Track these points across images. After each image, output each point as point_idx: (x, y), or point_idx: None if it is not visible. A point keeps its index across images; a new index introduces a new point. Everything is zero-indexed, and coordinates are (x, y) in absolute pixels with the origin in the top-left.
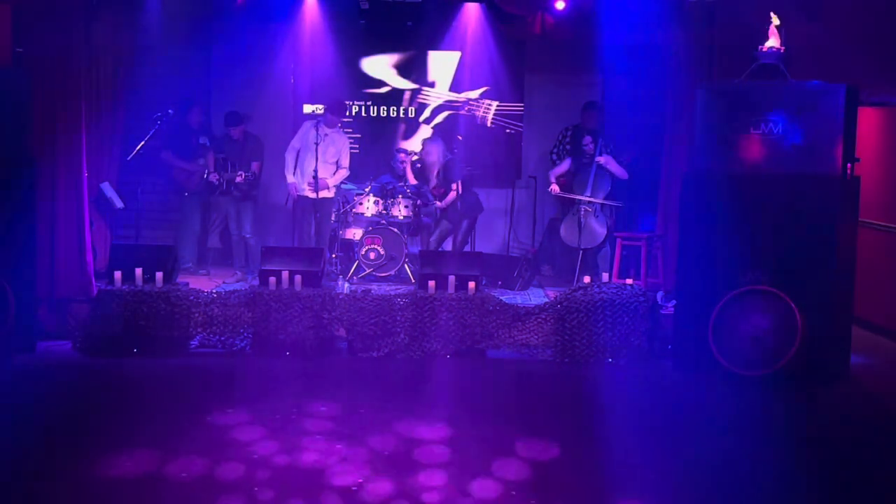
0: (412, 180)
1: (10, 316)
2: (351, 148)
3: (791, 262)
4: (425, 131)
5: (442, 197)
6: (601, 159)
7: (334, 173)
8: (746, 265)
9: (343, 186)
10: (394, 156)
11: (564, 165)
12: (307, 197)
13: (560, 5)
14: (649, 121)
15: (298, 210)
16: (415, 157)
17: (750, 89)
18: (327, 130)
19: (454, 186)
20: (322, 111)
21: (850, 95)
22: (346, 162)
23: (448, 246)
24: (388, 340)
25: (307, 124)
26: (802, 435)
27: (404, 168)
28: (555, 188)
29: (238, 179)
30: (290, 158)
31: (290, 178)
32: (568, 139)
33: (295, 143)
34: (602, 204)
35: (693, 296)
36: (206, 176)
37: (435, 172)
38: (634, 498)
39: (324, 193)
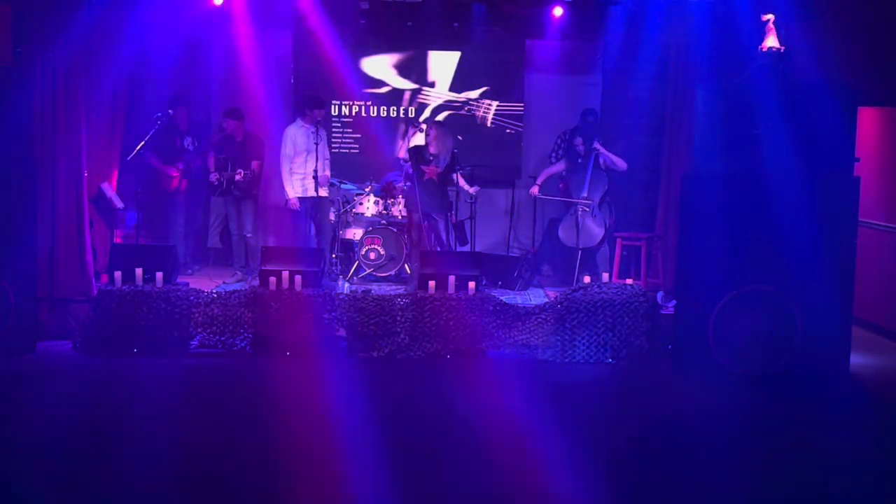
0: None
1: (10, 316)
2: (351, 148)
3: (791, 262)
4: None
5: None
6: (598, 145)
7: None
8: (746, 265)
9: (343, 186)
10: (402, 166)
11: (558, 167)
12: (309, 198)
13: (558, 11)
14: (649, 121)
15: (300, 212)
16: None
17: (749, 89)
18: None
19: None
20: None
21: (849, 95)
22: (327, 153)
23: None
24: (388, 341)
25: (293, 130)
26: (802, 436)
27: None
28: (534, 190)
29: (238, 178)
30: (286, 169)
31: (291, 193)
32: (559, 142)
33: (288, 150)
34: (599, 204)
35: (693, 296)
36: (212, 178)
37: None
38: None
39: (323, 191)
